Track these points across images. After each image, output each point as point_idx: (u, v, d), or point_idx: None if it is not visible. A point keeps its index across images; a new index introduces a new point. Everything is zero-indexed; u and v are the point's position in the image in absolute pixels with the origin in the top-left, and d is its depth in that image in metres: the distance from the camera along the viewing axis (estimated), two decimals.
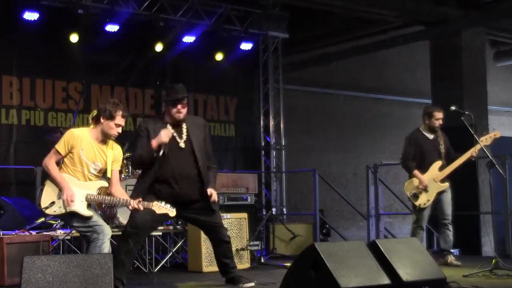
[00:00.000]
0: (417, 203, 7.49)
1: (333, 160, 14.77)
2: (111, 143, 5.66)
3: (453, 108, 7.28)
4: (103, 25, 9.52)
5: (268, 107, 11.58)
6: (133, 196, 5.76)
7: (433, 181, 7.54)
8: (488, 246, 10.37)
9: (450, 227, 7.72)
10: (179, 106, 5.87)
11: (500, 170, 7.25)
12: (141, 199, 5.52)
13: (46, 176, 5.58)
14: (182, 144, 5.93)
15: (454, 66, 12.31)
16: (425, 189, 7.50)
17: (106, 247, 5.37)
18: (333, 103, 15.12)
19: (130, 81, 10.27)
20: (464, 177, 10.70)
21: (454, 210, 7.85)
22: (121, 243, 5.84)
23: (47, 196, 5.46)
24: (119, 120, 5.56)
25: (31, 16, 9.00)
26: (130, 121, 10.13)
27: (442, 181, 7.61)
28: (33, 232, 7.03)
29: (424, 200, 7.51)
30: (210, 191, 6.03)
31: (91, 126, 5.71)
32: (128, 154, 7.53)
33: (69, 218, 5.49)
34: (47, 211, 5.47)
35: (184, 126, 6.00)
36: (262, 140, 11.56)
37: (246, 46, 11.00)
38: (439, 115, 7.69)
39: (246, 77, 11.65)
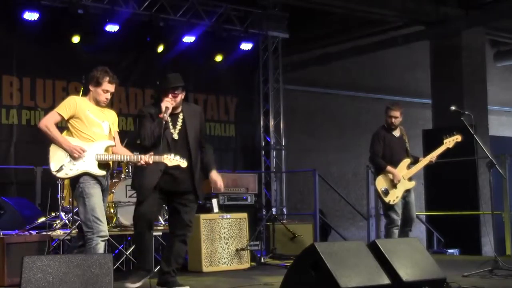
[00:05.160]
0: (386, 199, 7.46)
1: (333, 160, 14.78)
2: (105, 109, 5.68)
3: (453, 108, 7.26)
4: (103, 25, 9.52)
5: (268, 107, 11.57)
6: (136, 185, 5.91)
7: (402, 178, 7.51)
8: (488, 246, 10.38)
9: (412, 229, 7.73)
10: (170, 96, 5.86)
11: (500, 170, 7.25)
12: (152, 153, 5.54)
13: (44, 137, 5.47)
14: (175, 136, 5.91)
15: (454, 66, 12.33)
16: (395, 185, 7.46)
17: (101, 248, 5.33)
18: (333, 103, 15.13)
19: (130, 81, 10.26)
20: (464, 177, 10.79)
21: (450, 210, 7.78)
22: (137, 236, 5.92)
23: (56, 159, 5.38)
24: (106, 86, 5.58)
25: (31, 16, 8.99)
26: (131, 121, 10.13)
27: (409, 179, 7.59)
28: (33, 232, 7.03)
29: (394, 196, 7.46)
30: (214, 176, 6.01)
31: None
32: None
33: (77, 194, 5.37)
34: (59, 175, 5.39)
35: (180, 116, 5.99)
36: (262, 140, 11.55)
37: (246, 46, 11.00)
38: (393, 113, 7.59)
39: (246, 77, 11.64)
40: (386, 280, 5.01)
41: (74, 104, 5.49)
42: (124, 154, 5.65)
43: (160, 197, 5.85)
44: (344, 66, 14.69)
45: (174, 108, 5.90)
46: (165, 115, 5.76)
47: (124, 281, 5.73)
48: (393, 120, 7.62)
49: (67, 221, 7.50)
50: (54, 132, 5.42)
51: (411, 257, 5.35)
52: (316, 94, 14.84)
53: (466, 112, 7.20)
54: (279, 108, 11.64)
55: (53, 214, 7.87)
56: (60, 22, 9.33)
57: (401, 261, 5.22)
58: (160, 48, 10.20)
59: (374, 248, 5.25)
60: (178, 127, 5.95)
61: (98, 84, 5.58)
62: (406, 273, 5.12)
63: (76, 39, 9.41)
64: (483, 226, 10.89)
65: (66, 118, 5.47)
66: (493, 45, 15.89)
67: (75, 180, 5.44)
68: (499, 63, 16.35)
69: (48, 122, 5.43)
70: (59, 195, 7.75)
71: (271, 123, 11.55)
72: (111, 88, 5.63)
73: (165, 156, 5.56)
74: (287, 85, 12.29)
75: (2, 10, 9.05)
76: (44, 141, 5.63)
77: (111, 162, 5.67)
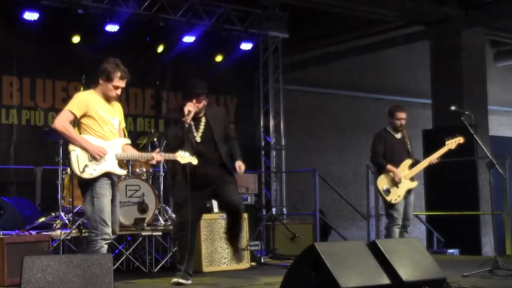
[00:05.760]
0: (388, 198, 7.45)
1: (333, 160, 14.78)
2: (112, 102, 5.57)
3: (453, 108, 7.25)
4: (103, 25, 9.52)
5: (268, 107, 11.57)
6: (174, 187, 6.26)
7: (403, 178, 7.50)
8: (488, 246, 10.38)
9: (408, 230, 7.74)
10: (194, 101, 6.11)
11: (500, 170, 7.24)
12: (159, 150, 5.72)
13: (62, 138, 5.56)
14: (198, 139, 6.19)
15: (454, 66, 12.32)
16: (397, 185, 7.47)
17: (104, 251, 5.26)
18: (333, 103, 15.12)
19: (130, 81, 10.21)
20: (464, 177, 10.79)
21: (450, 210, 7.76)
22: (177, 241, 6.30)
23: (79, 160, 5.23)
24: (117, 82, 5.42)
25: (31, 16, 8.99)
26: (130, 121, 10.12)
27: (411, 179, 7.57)
28: (33, 232, 7.03)
29: (395, 196, 7.45)
30: (238, 164, 6.34)
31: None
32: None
33: (87, 191, 5.26)
34: (84, 175, 5.23)
35: (202, 120, 6.27)
36: (262, 140, 11.55)
37: (246, 46, 11.00)
38: (400, 115, 7.63)
39: (246, 77, 11.64)
40: (386, 280, 5.00)
41: (86, 102, 5.32)
42: (137, 152, 5.64)
43: (199, 197, 6.14)
44: (344, 66, 14.68)
45: (196, 113, 6.17)
46: (187, 117, 6.03)
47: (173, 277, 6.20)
48: (402, 121, 7.64)
49: (67, 221, 7.49)
50: (73, 132, 5.28)
51: (411, 257, 5.35)
52: (316, 94, 14.84)
53: (466, 112, 7.19)
54: (279, 108, 11.63)
55: (53, 214, 7.87)
56: (60, 22, 9.32)
57: (401, 261, 5.22)
58: (160, 48, 10.20)
59: (374, 248, 5.25)
60: (201, 130, 6.25)
61: (109, 79, 5.40)
62: (406, 273, 5.12)
63: (76, 39, 9.40)
64: (483, 226, 10.89)
65: (78, 116, 5.31)
66: (493, 45, 15.89)
67: (88, 179, 5.31)
68: (499, 63, 16.35)
69: (64, 122, 5.27)
70: (59, 195, 7.75)
71: (271, 123, 11.55)
72: (122, 84, 5.47)
73: (177, 153, 5.77)
74: (287, 85, 12.28)
75: (2, 10, 9.05)
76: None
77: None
